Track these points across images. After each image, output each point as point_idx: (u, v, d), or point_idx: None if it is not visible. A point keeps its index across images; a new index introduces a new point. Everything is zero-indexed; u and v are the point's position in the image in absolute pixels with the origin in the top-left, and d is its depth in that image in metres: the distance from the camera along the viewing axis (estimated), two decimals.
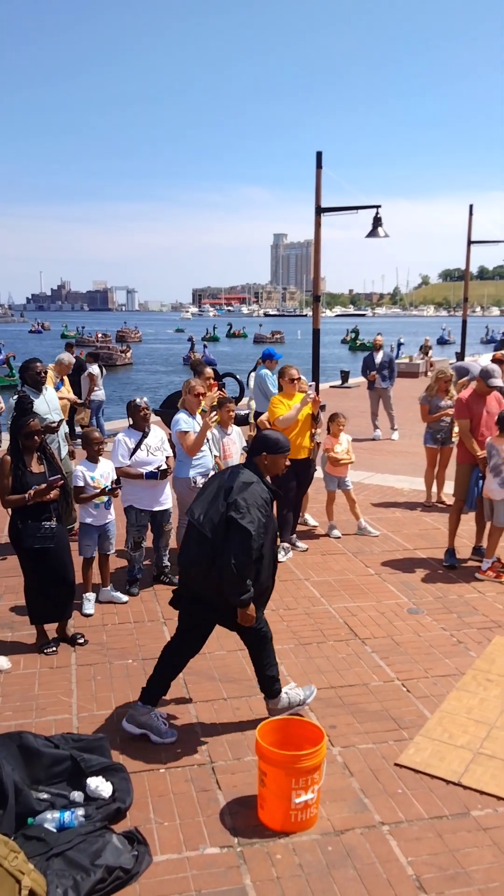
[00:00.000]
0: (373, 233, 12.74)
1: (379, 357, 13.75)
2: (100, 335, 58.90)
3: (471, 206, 19.81)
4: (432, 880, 3.18)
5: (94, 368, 13.01)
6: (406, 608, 6.14)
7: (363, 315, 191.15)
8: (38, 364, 7.36)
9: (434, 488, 9.31)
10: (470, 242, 20.16)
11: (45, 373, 7.48)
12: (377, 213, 12.54)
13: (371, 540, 7.93)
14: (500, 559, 7.07)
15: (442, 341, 55.61)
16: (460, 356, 22.73)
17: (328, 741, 4.18)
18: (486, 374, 6.85)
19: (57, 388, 9.68)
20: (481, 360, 12.59)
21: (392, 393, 14.02)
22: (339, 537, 7.98)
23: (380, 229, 12.69)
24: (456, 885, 3.14)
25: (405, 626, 5.81)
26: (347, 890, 3.13)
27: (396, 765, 3.99)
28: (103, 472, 6.04)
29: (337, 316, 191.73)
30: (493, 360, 9.24)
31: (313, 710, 4.55)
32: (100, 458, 6.10)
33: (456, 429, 7.71)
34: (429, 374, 25.99)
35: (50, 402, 7.49)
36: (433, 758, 4.04)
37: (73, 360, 10.49)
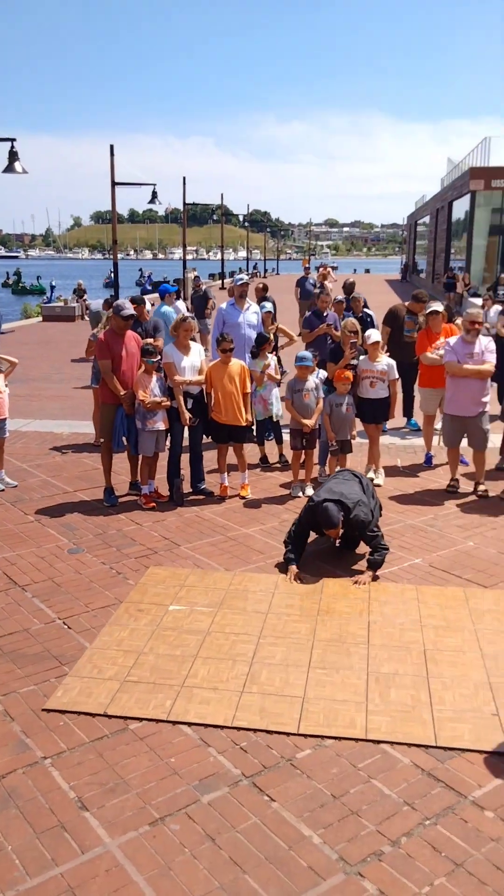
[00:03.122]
0: (10, 168, 12.13)
1: None
2: None
3: (111, 147, 19.76)
4: (93, 797, 3.34)
5: None
6: (66, 549, 6.20)
7: (16, 257, 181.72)
8: None
9: None
10: (114, 184, 20.18)
11: None
12: (13, 146, 11.93)
13: (30, 487, 7.80)
14: (158, 489, 7.46)
15: (110, 284, 55.46)
16: (115, 298, 22.92)
17: None
18: (117, 308, 7.13)
19: None
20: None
21: None
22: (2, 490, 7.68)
23: (17, 164, 12.12)
24: (115, 796, 3.35)
25: (66, 566, 5.87)
26: (10, 830, 3.16)
27: (44, 710, 3.98)
28: None
29: None
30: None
31: None
32: None
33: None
34: (85, 317, 25.87)
35: None
36: (81, 695, 4.08)
37: None
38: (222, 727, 3.80)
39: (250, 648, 4.56)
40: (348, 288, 11.61)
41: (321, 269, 23.39)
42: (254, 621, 4.91)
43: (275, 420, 8.47)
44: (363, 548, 5.89)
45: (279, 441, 8.67)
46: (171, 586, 5.46)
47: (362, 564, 5.75)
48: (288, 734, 3.75)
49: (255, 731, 3.77)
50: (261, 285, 11.60)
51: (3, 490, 7.68)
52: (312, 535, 5.91)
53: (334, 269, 27.70)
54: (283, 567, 5.75)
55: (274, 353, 8.90)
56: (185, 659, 4.44)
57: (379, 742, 3.68)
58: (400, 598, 5.27)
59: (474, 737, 3.71)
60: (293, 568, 5.61)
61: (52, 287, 36.14)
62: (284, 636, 4.72)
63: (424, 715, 3.90)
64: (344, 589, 5.40)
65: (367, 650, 4.55)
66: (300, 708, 3.95)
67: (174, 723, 3.84)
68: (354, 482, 5.88)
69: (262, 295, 10.97)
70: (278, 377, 8.51)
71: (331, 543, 6.14)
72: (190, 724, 3.83)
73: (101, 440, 7.52)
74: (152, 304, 11.50)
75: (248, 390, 7.45)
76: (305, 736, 3.74)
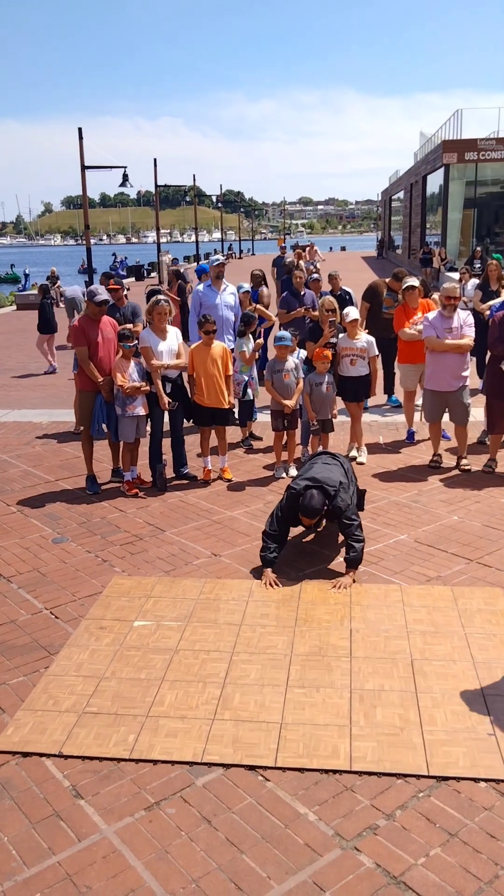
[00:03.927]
0: None
1: None
2: None
3: (80, 130, 19.49)
4: (87, 785, 3.34)
5: None
6: (51, 539, 6.16)
7: None
8: None
9: None
10: (84, 168, 19.93)
11: None
12: None
13: (11, 478, 7.74)
14: (141, 476, 7.43)
15: (85, 271, 55.09)
16: (89, 283, 22.71)
17: None
18: (90, 294, 7.05)
19: None
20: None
21: None
22: None
23: None
24: (110, 783, 3.35)
25: (51, 556, 5.83)
26: (6, 821, 3.15)
27: None
28: None
29: None
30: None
31: None
32: None
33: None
34: (61, 304, 25.60)
35: None
36: (33, 733, 3.68)
37: None
38: (191, 763, 3.44)
39: (222, 667, 4.18)
40: (287, 268, 11.70)
41: (298, 250, 23.25)
42: (226, 635, 4.52)
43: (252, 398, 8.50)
44: None
45: (251, 418, 8.66)
46: (137, 598, 5.05)
47: (341, 564, 5.41)
48: (265, 768, 3.39)
49: (227, 766, 3.42)
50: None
51: None
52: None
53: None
54: (258, 570, 5.38)
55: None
56: (151, 683, 4.05)
57: (364, 773, 3.35)
58: (384, 600, 4.91)
59: (469, 762, 3.38)
60: (269, 572, 5.23)
61: (27, 275, 35.76)
62: (259, 651, 4.34)
63: (414, 738, 3.54)
64: (323, 593, 5.03)
65: (350, 664, 4.18)
66: (277, 736, 3.58)
67: (137, 761, 3.46)
68: (335, 466, 5.79)
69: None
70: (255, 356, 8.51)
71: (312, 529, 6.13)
72: (155, 762, 3.45)
73: (82, 428, 7.46)
74: (128, 289, 11.38)
75: (231, 372, 7.41)
76: (284, 769, 3.39)
